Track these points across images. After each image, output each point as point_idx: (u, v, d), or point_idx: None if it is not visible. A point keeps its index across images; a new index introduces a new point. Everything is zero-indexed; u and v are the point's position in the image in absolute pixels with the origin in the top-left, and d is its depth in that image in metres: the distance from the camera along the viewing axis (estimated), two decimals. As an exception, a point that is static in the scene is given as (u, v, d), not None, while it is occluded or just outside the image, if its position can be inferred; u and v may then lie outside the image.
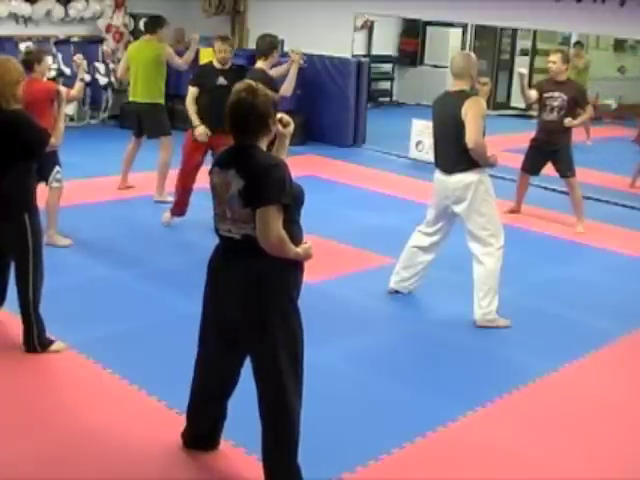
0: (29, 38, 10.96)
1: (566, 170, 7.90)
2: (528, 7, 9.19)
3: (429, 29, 16.17)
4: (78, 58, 6.93)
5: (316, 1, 11.59)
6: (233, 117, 3.36)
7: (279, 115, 3.48)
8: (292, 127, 3.54)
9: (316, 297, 5.21)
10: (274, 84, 6.19)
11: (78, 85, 6.69)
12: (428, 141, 8.68)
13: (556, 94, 7.75)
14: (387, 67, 16.35)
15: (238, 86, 3.41)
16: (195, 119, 7.00)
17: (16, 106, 4.53)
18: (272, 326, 3.35)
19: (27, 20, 11.30)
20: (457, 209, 5.49)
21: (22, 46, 9.96)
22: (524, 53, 16.50)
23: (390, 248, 6.40)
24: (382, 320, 5.65)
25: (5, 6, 11.01)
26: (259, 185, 3.25)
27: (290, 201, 3.29)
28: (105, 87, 11.79)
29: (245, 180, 3.27)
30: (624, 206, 9.10)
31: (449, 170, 5.46)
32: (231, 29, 12.79)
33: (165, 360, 4.67)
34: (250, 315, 3.36)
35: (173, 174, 8.13)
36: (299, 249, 3.35)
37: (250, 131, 3.35)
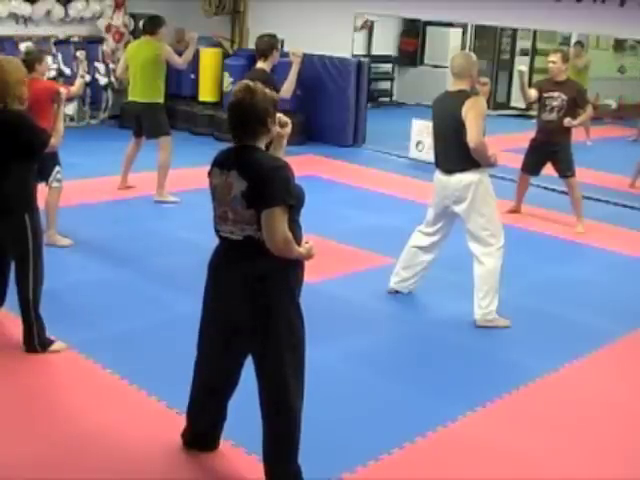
0: (29, 38, 10.96)
1: (566, 170, 7.89)
2: (528, 7, 9.18)
3: (429, 29, 16.18)
4: (81, 54, 6.95)
5: (316, 1, 11.59)
6: (233, 118, 3.36)
7: (277, 115, 3.46)
8: (290, 127, 3.54)
9: (316, 297, 5.20)
10: (275, 84, 6.18)
11: (79, 82, 6.70)
12: (428, 141, 8.66)
13: (556, 94, 7.75)
14: (387, 67, 16.35)
15: (237, 87, 3.40)
16: None
17: (19, 107, 4.53)
18: (275, 326, 3.35)
19: (27, 20, 11.31)
20: (457, 209, 5.48)
21: (22, 46, 9.98)
22: (524, 53, 16.49)
23: (390, 248, 6.40)
24: (382, 320, 5.65)
25: (5, 6, 11.01)
26: (264, 186, 3.24)
27: (295, 202, 3.30)
28: (105, 87, 11.80)
29: (248, 182, 3.26)
30: (624, 206, 9.10)
31: (449, 170, 5.46)
32: (231, 29, 12.81)
33: (165, 360, 4.67)
34: (253, 315, 3.36)
35: (173, 174, 8.16)
36: (302, 249, 3.36)
37: (250, 132, 3.34)
